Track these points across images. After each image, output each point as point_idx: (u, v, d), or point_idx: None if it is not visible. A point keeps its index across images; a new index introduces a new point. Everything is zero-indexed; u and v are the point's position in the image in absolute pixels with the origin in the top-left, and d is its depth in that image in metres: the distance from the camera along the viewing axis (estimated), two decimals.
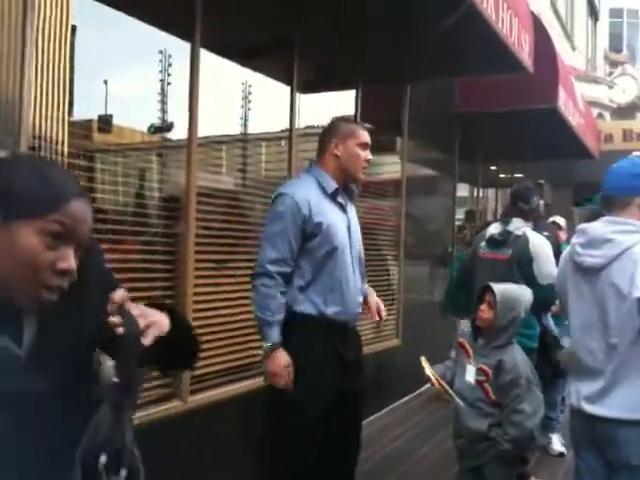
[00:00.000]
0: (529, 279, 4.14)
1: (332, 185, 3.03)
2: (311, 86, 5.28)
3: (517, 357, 3.14)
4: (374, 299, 3.28)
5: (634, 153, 10.93)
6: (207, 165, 4.14)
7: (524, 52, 4.83)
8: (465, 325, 3.69)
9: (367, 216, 5.65)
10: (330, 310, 2.95)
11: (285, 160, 4.94)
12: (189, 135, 3.77)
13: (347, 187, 3.14)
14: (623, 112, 18.27)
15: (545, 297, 4.22)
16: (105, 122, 3.68)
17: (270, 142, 5.26)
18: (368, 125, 3.24)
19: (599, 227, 2.52)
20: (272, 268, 2.88)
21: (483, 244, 4.49)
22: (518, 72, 5.01)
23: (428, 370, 3.08)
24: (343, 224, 3.04)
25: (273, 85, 5.01)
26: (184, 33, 3.87)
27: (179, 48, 3.97)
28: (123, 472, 1.15)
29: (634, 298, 2.35)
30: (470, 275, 4.55)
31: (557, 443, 5.14)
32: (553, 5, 12.31)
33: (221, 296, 4.09)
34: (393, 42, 4.62)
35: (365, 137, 3.08)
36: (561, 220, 6.33)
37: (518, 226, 4.36)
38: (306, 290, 2.94)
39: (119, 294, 1.19)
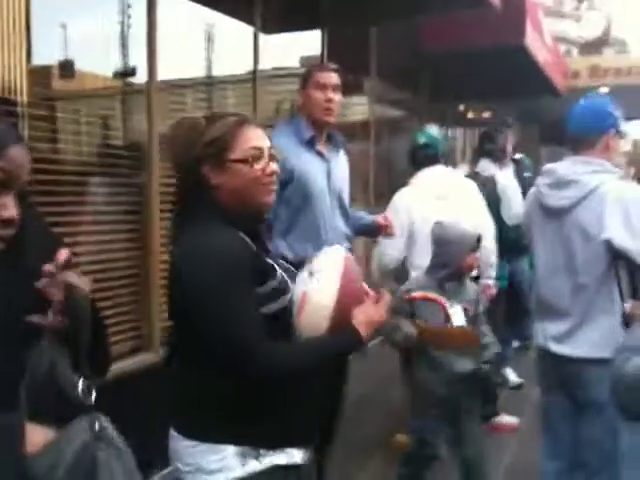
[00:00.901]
0: (497, 220, 4.21)
1: (307, 134, 3.01)
2: (274, 27, 5.17)
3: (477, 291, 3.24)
4: (379, 216, 3.34)
5: (601, 89, 11.02)
6: (169, 110, 4.05)
7: None
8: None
9: None
10: (309, 255, 2.96)
11: (250, 103, 4.85)
12: (149, 79, 3.69)
13: (330, 135, 3.11)
14: (590, 47, 18.24)
15: (513, 238, 4.30)
16: (65, 68, 3.58)
17: (234, 85, 5.17)
18: (333, 65, 3.09)
19: (565, 167, 2.53)
20: None
21: None
22: (484, 8, 4.95)
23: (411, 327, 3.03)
24: (320, 171, 3.02)
25: (235, 26, 4.90)
26: None
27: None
28: (93, 394, 1.24)
29: (602, 239, 2.37)
30: None
31: (512, 375, 5.32)
32: None
33: None
34: None
35: (321, 77, 2.98)
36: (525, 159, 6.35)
37: (485, 167, 4.39)
38: (286, 236, 2.98)
39: (63, 254, 1.17)
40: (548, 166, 2.64)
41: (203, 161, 1.61)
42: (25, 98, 3.10)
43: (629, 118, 16.62)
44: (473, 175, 4.41)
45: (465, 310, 3.07)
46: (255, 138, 1.65)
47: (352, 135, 6.31)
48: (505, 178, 4.47)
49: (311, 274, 1.62)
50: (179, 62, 4.32)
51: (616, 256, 2.37)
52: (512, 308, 4.77)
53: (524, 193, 4.91)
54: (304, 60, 6.09)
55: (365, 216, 3.38)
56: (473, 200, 3.90)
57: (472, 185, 4.02)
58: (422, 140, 3.96)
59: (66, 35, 3.54)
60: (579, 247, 2.46)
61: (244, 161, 1.61)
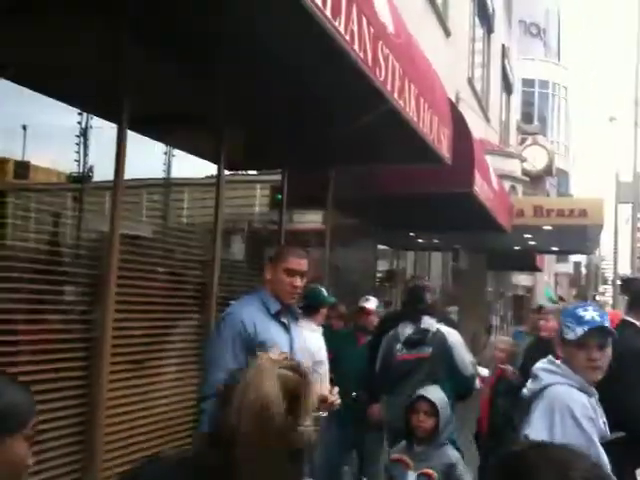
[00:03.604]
0: (451, 372, 4.32)
1: (276, 306, 3.13)
2: (238, 165, 5.39)
3: (458, 456, 3.30)
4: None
5: (545, 227, 11.58)
6: (130, 253, 4.10)
7: (443, 147, 5.09)
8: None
9: None
10: None
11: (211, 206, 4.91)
12: (111, 228, 3.75)
13: (290, 307, 3.24)
14: (535, 181, 19.24)
15: (467, 387, 4.43)
16: (22, 162, 3.64)
17: (193, 188, 5.31)
18: (303, 252, 3.31)
19: (537, 364, 2.76)
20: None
21: (399, 346, 4.55)
22: (437, 164, 5.27)
23: None
24: (286, 344, 3.10)
25: (199, 163, 5.08)
26: (110, 113, 3.89)
27: (106, 127, 4.00)
28: None
29: (524, 433, 2.51)
30: (386, 376, 4.59)
31: None
32: (470, 81, 12.97)
33: (139, 389, 4.05)
34: (316, 132, 4.80)
35: (292, 264, 3.15)
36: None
37: (430, 323, 4.50)
38: None
39: None
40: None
41: None
42: None
43: (570, 252, 17.29)
44: (422, 332, 4.51)
45: (423, 475, 3.14)
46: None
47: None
48: (451, 332, 4.60)
49: None
50: (142, 164, 4.41)
51: None
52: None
53: None
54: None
55: None
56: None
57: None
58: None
59: (25, 131, 3.61)
60: None
61: None
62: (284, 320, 3.17)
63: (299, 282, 3.15)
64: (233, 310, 3.17)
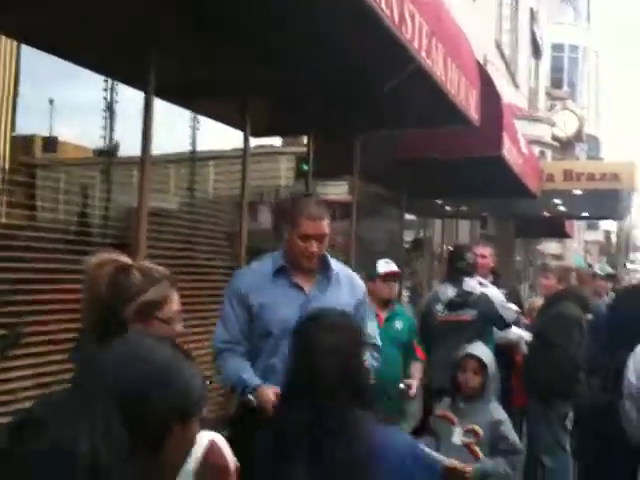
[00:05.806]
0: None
1: (278, 264, 2.89)
2: (263, 131, 5.36)
3: (504, 413, 3.31)
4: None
5: (574, 191, 11.37)
6: (159, 224, 4.11)
7: (471, 108, 5.00)
8: None
9: None
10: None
11: (238, 179, 4.90)
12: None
13: (325, 268, 2.92)
14: (564, 147, 18.91)
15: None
16: (49, 138, 3.65)
17: (219, 161, 5.30)
18: (321, 211, 2.89)
19: None
20: (223, 346, 2.88)
21: (440, 307, 4.49)
22: (465, 126, 5.18)
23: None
24: (291, 303, 2.79)
25: (225, 134, 5.07)
26: (137, 82, 3.87)
27: (133, 99, 3.99)
28: None
29: None
30: (426, 337, 4.55)
31: None
32: (498, 46, 12.72)
33: None
34: (342, 96, 4.73)
35: (306, 229, 2.80)
36: None
37: (472, 285, 4.44)
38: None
39: None
40: None
41: (136, 315, 1.76)
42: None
43: (601, 218, 17.06)
44: (464, 295, 4.40)
45: (468, 431, 3.10)
46: (176, 300, 1.87)
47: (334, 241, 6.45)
48: (492, 292, 4.54)
49: None
50: (168, 137, 4.40)
51: None
52: None
53: None
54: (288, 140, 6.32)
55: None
56: None
57: None
58: None
59: (52, 105, 3.62)
60: None
61: (167, 321, 1.82)
62: (296, 280, 2.87)
63: (315, 247, 2.80)
64: (236, 273, 3.13)
